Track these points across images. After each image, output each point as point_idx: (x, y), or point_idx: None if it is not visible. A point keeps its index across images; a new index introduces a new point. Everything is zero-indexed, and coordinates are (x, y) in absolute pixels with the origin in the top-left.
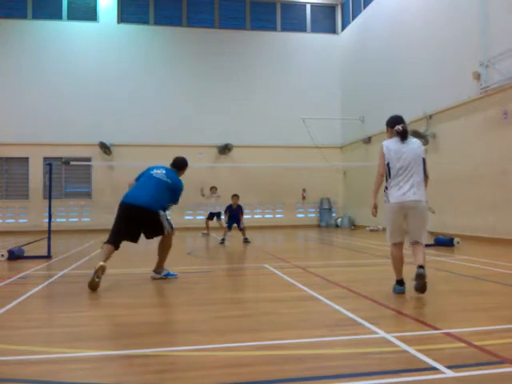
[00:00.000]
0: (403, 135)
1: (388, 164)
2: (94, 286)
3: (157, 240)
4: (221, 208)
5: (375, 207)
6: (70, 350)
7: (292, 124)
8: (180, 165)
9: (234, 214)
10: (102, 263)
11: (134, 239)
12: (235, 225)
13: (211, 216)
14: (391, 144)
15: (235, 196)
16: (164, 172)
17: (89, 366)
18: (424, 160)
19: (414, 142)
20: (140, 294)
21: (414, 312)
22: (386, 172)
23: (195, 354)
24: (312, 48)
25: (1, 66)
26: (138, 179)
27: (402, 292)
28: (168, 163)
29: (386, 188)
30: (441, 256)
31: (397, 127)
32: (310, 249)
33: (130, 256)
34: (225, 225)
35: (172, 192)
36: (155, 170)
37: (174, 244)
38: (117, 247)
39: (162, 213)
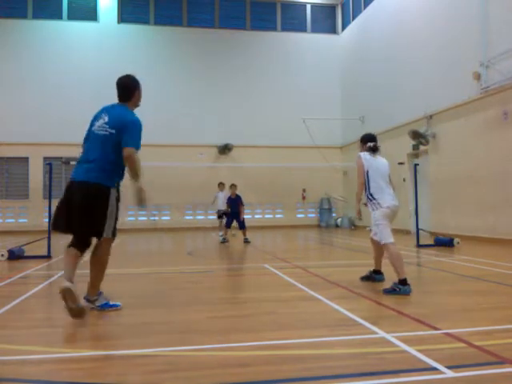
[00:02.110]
0: (374, 150)
1: (368, 172)
2: (78, 314)
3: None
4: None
5: (360, 213)
6: (70, 349)
7: (292, 124)
8: (126, 90)
9: (234, 205)
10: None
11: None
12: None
13: (221, 214)
14: (368, 156)
15: (233, 185)
16: (106, 119)
17: (89, 365)
18: (389, 176)
19: (382, 158)
20: (140, 294)
21: (414, 312)
22: (366, 180)
23: (195, 354)
24: (312, 48)
25: (1, 65)
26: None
27: (409, 293)
28: (167, 163)
29: (372, 195)
30: (441, 256)
31: (369, 144)
32: (310, 249)
33: (129, 256)
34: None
35: (119, 137)
36: (96, 123)
37: (175, 244)
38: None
39: (112, 191)
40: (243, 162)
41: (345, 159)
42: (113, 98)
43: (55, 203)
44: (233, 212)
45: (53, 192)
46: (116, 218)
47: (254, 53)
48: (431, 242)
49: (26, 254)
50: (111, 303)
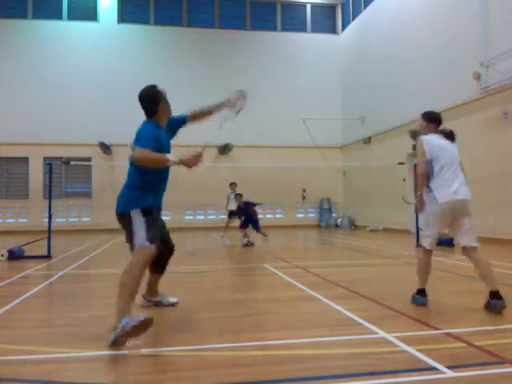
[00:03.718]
0: (448, 134)
1: (431, 161)
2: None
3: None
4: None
5: (422, 203)
6: (70, 349)
7: (292, 124)
8: (146, 106)
9: (247, 212)
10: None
11: None
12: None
13: (231, 215)
14: (434, 139)
15: (238, 195)
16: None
17: (89, 366)
18: (461, 163)
19: (449, 142)
20: (140, 294)
21: (414, 312)
22: (428, 171)
23: (195, 354)
24: (312, 48)
25: (1, 65)
26: None
27: (425, 304)
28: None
29: (430, 188)
30: (441, 256)
31: (443, 127)
32: (310, 249)
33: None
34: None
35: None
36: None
37: (175, 244)
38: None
39: (134, 212)
40: (243, 162)
41: (345, 159)
42: (113, 98)
43: (55, 203)
44: (247, 217)
45: (53, 192)
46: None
47: (254, 53)
48: None
49: (26, 254)
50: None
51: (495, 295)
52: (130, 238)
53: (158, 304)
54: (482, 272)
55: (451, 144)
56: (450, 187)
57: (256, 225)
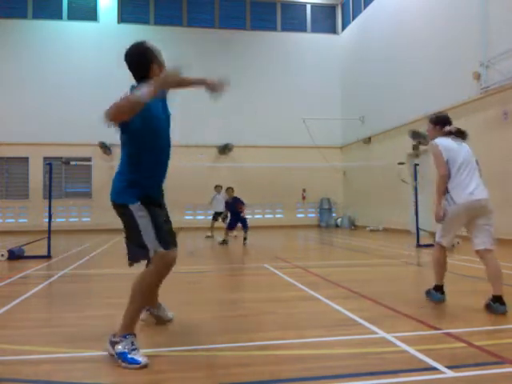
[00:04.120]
0: (460, 134)
1: (447, 162)
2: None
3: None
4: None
5: (441, 212)
6: (70, 349)
7: (292, 124)
8: (134, 65)
9: (232, 207)
10: None
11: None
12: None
13: (216, 216)
14: (446, 142)
15: (229, 189)
16: None
17: (89, 366)
18: (477, 161)
19: (461, 142)
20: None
21: (414, 312)
22: (449, 172)
23: (195, 354)
24: (312, 48)
25: (1, 65)
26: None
27: (443, 300)
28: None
29: (447, 190)
30: None
31: (449, 127)
32: (310, 249)
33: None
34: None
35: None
36: None
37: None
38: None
39: (134, 206)
40: (243, 162)
41: (345, 159)
42: (113, 98)
43: (55, 203)
44: (234, 214)
45: (53, 192)
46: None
47: (254, 53)
48: (431, 241)
49: (26, 254)
50: (134, 358)
51: (498, 299)
52: (133, 238)
53: (158, 320)
54: (490, 273)
55: (463, 144)
56: (466, 188)
57: (245, 224)
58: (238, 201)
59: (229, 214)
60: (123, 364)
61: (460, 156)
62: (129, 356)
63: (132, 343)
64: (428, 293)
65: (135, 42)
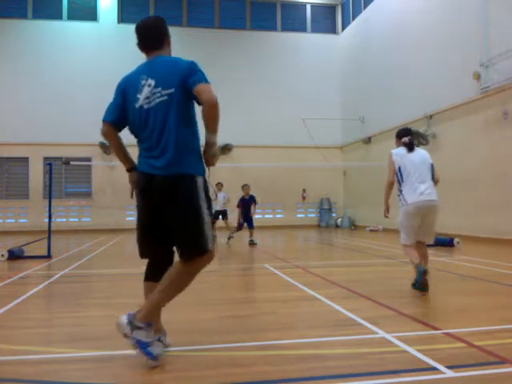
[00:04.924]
0: (410, 147)
1: (399, 169)
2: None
3: None
4: (226, 206)
5: (388, 210)
6: (70, 349)
7: (292, 124)
8: (154, 35)
9: (246, 205)
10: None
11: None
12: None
13: (217, 215)
14: (400, 151)
15: (246, 185)
16: (153, 82)
17: (89, 366)
18: (432, 165)
19: (419, 150)
20: (140, 294)
21: (414, 312)
22: (398, 177)
23: (195, 354)
24: (312, 48)
25: (1, 65)
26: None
27: (425, 272)
28: None
29: (401, 192)
30: (441, 256)
31: (403, 139)
32: (310, 249)
33: (129, 256)
34: (231, 224)
35: (187, 94)
36: (139, 96)
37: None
38: (149, 275)
39: (199, 178)
40: (243, 162)
41: (345, 159)
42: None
43: (55, 203)
44: (245, 211)
45: (53, 192)
46: None
47: (254, 53)
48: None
49: (25, 254)
50: (153, 351)
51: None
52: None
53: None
54: (421, 255)
55: (420, 151)
56: (416, 190)
57: (251, 224)
58: (252, 199)
59: (237, 211)
60: (140, 352)
61: (412, 163)
62: (148, 348)
63: (153, 335)
64: (414, 285)
65: (150, 16)
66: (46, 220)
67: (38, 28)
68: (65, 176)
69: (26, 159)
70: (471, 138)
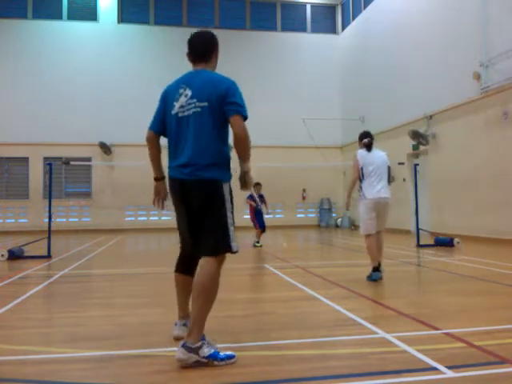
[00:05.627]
0: (368, 146)
1: (362, 168)
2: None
3: None
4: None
5: (348, 205)
6: (70, 349)
7: (292, 124)
8: (203, 48)
9: (258, 203)
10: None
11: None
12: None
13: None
14: (362, 152)
15: (258, 184)
16: (190, 93)
17: (89, 366)
18: (389, 167)
19: (379, 152)
20: (140, 294)
21: (414, 312)
22: (360, 175)
23: None
24: (312, 48)
25: (1, 65)
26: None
27: (380, 278)
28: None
29: (361, 188)
30: (441, 256)
31: (364, 140)
32: (310, 249)
33: (129, 256)
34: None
35: (219, 110)
36: (175, 103)
37: (175, 244)
38: (184, 269)
39: (225, 184)
40: None
41: (345, 159)
42: (113, 98)
43: (55, 203)
44: (257, 211)
45: (53, 192)
46: None
47: (254, 53)
48: (431, 241)
49: (25, 254)
50: (223, 354)
51: (377, 269)
52: (213, 232)
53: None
54: (378, 246)
55: (380, 153)
56: (374, 188)
57: (263, 224)
58: (262, 198)
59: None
60: (221, 363)
61: (372, 163)
62: (221, 354)
63: (208, 343)
64: (369, 277)
65: (203, 29)
66: (46, 220)
67: (38, 28)
68: (65, 176)
69: (25, 159)
70: (471, 138)
